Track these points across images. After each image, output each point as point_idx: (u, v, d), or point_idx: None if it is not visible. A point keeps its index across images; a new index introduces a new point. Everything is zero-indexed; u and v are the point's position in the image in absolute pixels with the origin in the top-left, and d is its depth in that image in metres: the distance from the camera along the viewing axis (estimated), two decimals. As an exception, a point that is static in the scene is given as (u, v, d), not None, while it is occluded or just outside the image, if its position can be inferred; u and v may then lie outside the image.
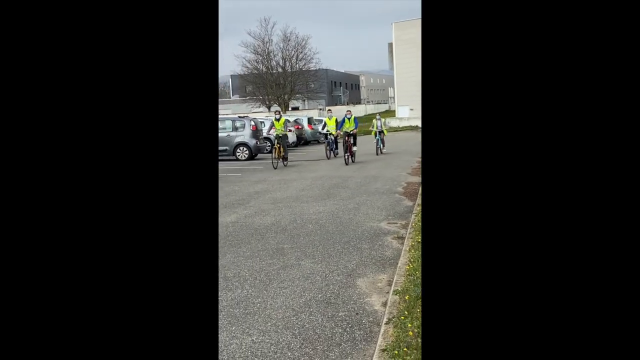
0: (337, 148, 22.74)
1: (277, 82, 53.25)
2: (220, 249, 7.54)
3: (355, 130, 18.82)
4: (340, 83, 79.98)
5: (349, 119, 18.80)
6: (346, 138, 18.62)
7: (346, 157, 18.26)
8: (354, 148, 18.71)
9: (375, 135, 23.32)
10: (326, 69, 68.84)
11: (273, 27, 66.15)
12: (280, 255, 7.17)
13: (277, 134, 17.90)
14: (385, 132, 24.46)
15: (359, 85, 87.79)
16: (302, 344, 4.26)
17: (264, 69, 53.67)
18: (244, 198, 12.25)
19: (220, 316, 4.90)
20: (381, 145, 23.08)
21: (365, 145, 25.50)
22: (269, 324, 4.69)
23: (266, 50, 54.37)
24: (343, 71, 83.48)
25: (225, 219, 9.85)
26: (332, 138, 22.32)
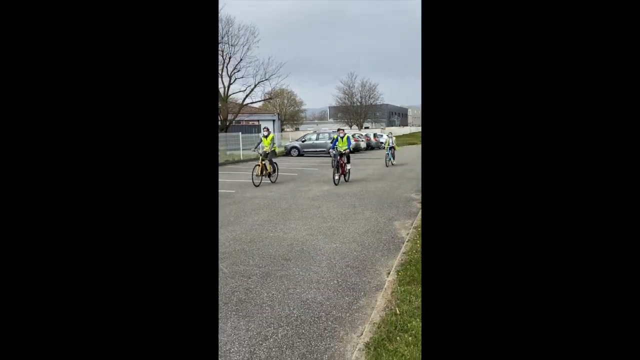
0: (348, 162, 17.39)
1: (356, 112, 61.91)
2: (319, 204, 9.27)
3: (348, 150, 13.50)
4: (395, 112, 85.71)
5: (342, 137, 13.52)
6: (339, 158, 13.25)
7: (337, 176, 12.91)
8: (348, 166, 13.66)
9: (386, 150, 19.55)
10: (387, 104, 77.45)
11: (355, 77, 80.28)
12: (352, 207, 8.79)
13: (264, 151, 12.72)
14: (395, 147, 20.27)
15: (407, 114, 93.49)
16: (362, 248, 5.82)
17: (349, 103, 62.86)
18: (332, 178, 13.82)
19: (319, 235, 6.50)
20: (391, 158, 19.12)
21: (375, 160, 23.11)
22: (346, 239, 6.27)
23: (350, 91, 63.49)
24: (398, 105, 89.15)
25: (321, 188, 11.76)
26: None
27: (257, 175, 12.40)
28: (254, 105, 26.36)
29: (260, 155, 12.79)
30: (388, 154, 19.14)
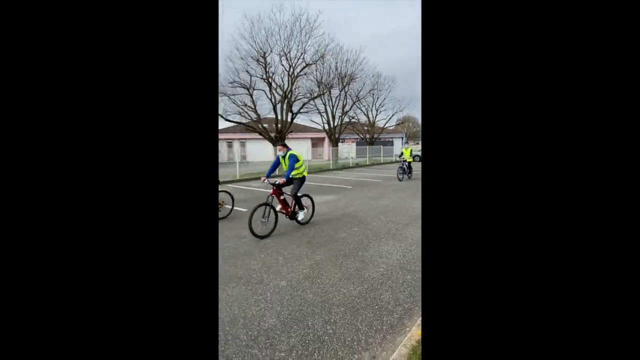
0: (410, 172, 11.23)
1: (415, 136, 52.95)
2: (370, 187, 8.72)
3: (283, 180, 3.89)
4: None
5: (283, 157, 4.09)
6: (273, 189, 3.91)
7: (264, 214, 3.77)
8: (300, 215, 4.15)
9: (401, 163, 11.47)
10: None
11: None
12: (383, 192, 8.32)
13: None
14: (411, 160, 11.53)
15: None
16: (394, 205, 6.08)
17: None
18: (385, 179, 12.02)
19: (359, 204, 6.32)
20: (405, 173, 11.25)
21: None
22: (381, 205, 6.25)
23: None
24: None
25: (386, 182, 10.56)
26: (406, 164, 10.99)
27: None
28: (390, 128, 27.89)
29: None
30: (403, 166, 11.14)
